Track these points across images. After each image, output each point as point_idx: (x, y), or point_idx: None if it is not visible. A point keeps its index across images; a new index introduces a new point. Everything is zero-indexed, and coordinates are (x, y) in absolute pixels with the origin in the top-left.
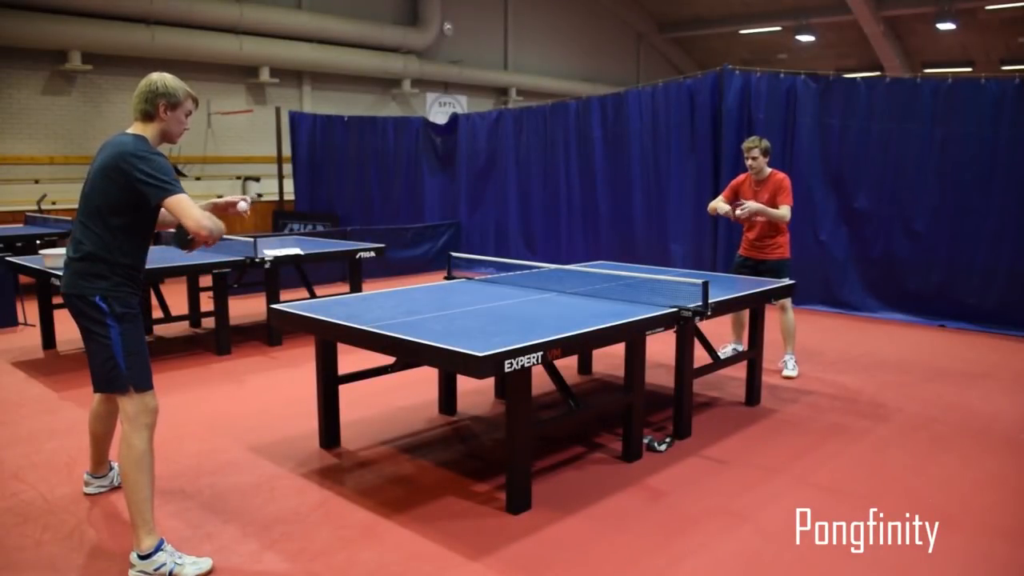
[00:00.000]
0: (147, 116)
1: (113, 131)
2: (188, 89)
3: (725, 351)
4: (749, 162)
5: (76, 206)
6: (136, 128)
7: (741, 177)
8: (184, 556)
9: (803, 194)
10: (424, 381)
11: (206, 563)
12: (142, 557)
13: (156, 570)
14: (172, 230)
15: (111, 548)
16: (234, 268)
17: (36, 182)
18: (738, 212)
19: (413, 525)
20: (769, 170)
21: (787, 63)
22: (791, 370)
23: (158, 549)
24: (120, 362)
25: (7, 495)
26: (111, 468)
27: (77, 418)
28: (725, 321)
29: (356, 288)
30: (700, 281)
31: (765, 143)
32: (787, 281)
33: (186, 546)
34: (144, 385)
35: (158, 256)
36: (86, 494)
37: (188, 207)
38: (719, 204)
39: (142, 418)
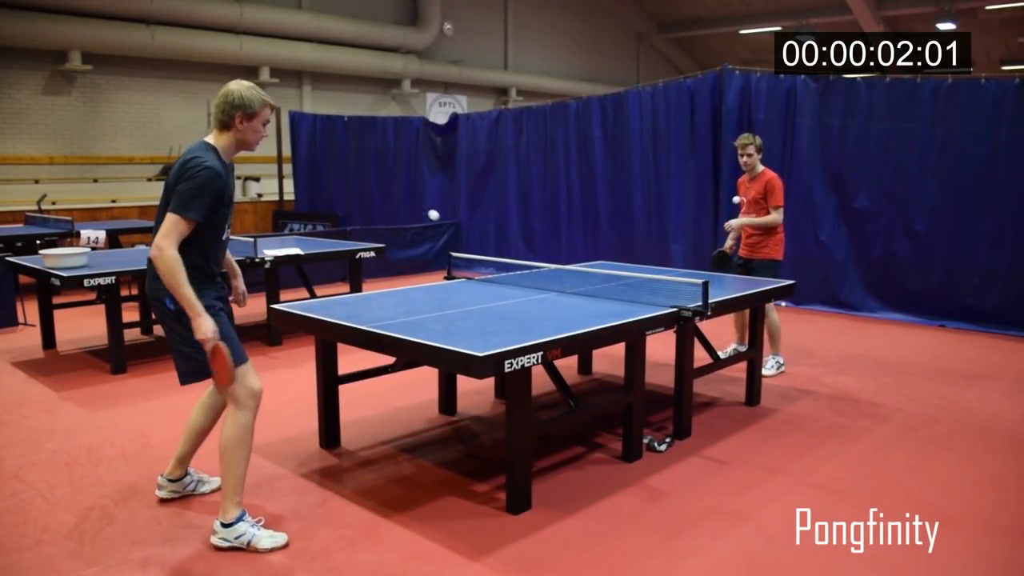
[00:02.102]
0: (223, 126)
1: (113, 131)
2: (265, 98)
3: (727, 352)
4: (744, 159)
5: (76, 206)
6: (212, 136)
7: (743, 177)
8: (263, 530)
9: (803, 194)
10: (424, 381)
11: (282, 538)
12: (225, 525)
13: (236, 538)
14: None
15: (111, 549)
16: None
17: (36, 182)
18: (725, 227)
19: (413, 525)
20: (762, 167)
21: None
22: (770, 368)
23: (240, 519)
24: (191, 361)
25: (7, 495)
26: (188, 474)
27: (77, 418)
28: (726, 321)
29: (356, 288)
30: (700, 281)
31: (758, 140)
32: (788, 281)
33: (186, 544)
34: (240, 350)
35: None
36: (160, 499)
37: (165, 226)
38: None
39: (246, 400)
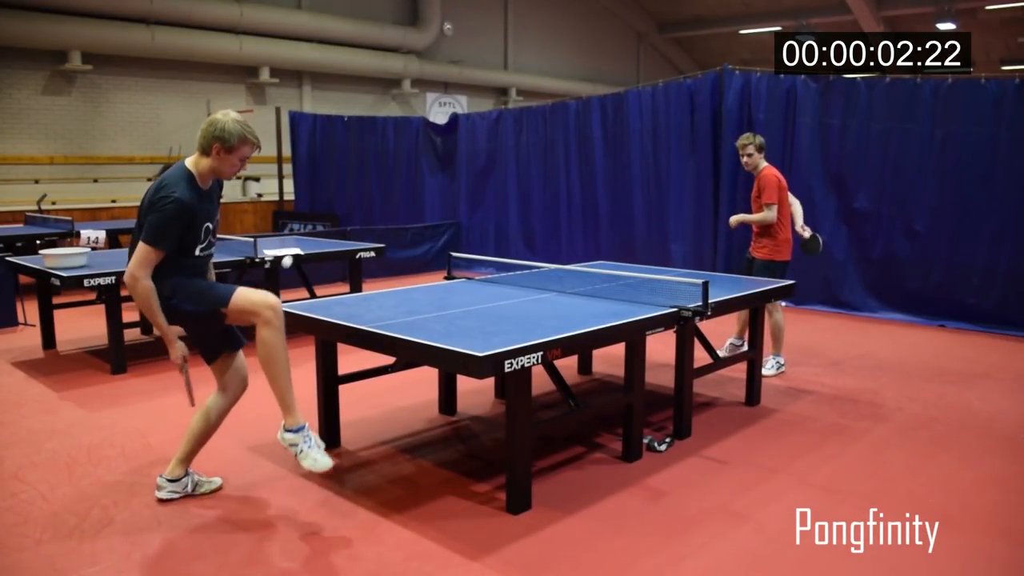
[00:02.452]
0: (203, 151)
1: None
2: (249, 136)
3: (724, 347)
4: (744, 159)
5: (76, 206)
6: (192, 159)
7: None
8: (315, 448)
9: (803, 194)
10: (424, 381)
11: (325, 463)
12: (288, 430)
13: (291, 445)
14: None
15: (111, 549)
16: (234, 268)
17: (36, 182)
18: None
19: (413, 525)
20: (764, 165)
21: None
22: (769, 368)
23: (296, 430)
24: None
25: (7, 495)
26: (187, 474)
27: (77, 418)
28: (725, 321)
29: (356, 288)
30: (700, 281)
31: (759, 139)
32: (788, 281)
33: (186, 544)
34: (226, 295)
35: None
36: (159, 499)
37: (139, 256)
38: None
39: (269, 317)
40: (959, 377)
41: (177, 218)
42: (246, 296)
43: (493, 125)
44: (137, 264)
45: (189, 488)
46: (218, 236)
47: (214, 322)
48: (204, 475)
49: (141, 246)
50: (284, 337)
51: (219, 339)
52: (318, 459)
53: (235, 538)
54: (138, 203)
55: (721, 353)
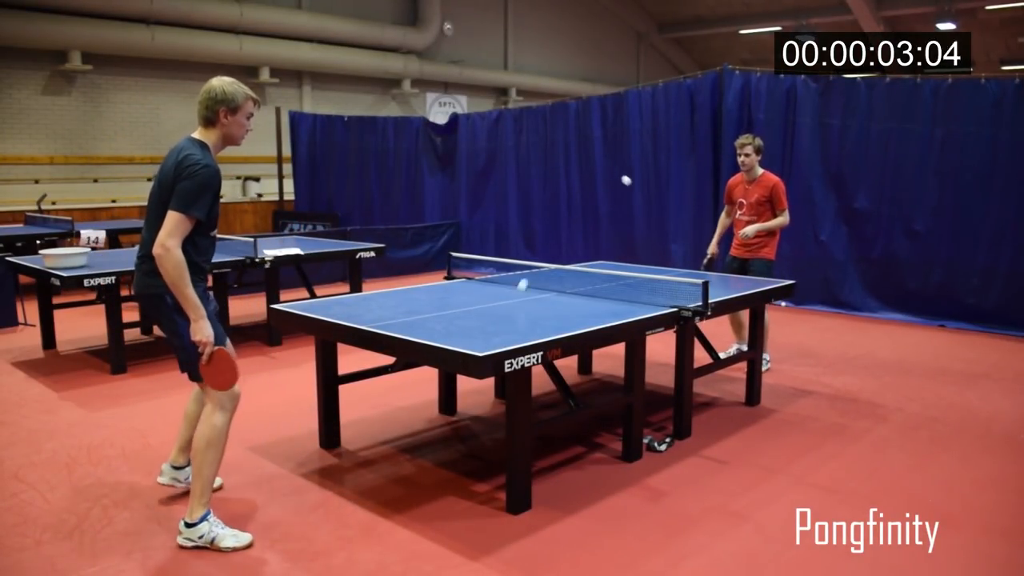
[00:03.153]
0: (208, 122)
1: (113, 131)
2: (248, 92)
3: (729, 352)
4: (741, 159)
5: (76, 206)
6: (199, 133)
7: (735, 178)
8: (226, 529)
9: (803, 194)
10: (424, 381)
11: (245, 538)
12: (188, 525)
13: (200, 537)
14: None
15: (111, 548)
16: (234, 268)
17: (36, 182)
18: (740, 234)
19: (413, 525)
20: (761, 170)
21: None
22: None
23: (203, 519)
24: (191, 353)
25: (7, 495)
26: (190, 464)
27: (77, 418)
28: (725, 321)
29: (356, 288)
30: (700, 281)
31: (758, 141)
32: (788, 281)
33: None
34: (219, 335)
35: None
36: (160, 483)
37: (168, 225)
38: (722, 222)
39: (225, 402)
40: (959, 377)
41: (210, 184)
42: (225, 359)
43: (493, 125)
44: (167, 233)
45: (190, 481)
46: (218, 236)
47: (188, 338)
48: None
49: (171, 215)
50: (228, 430)
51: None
52: (239, 536)
53: (236, 543)
54: (138, 203)
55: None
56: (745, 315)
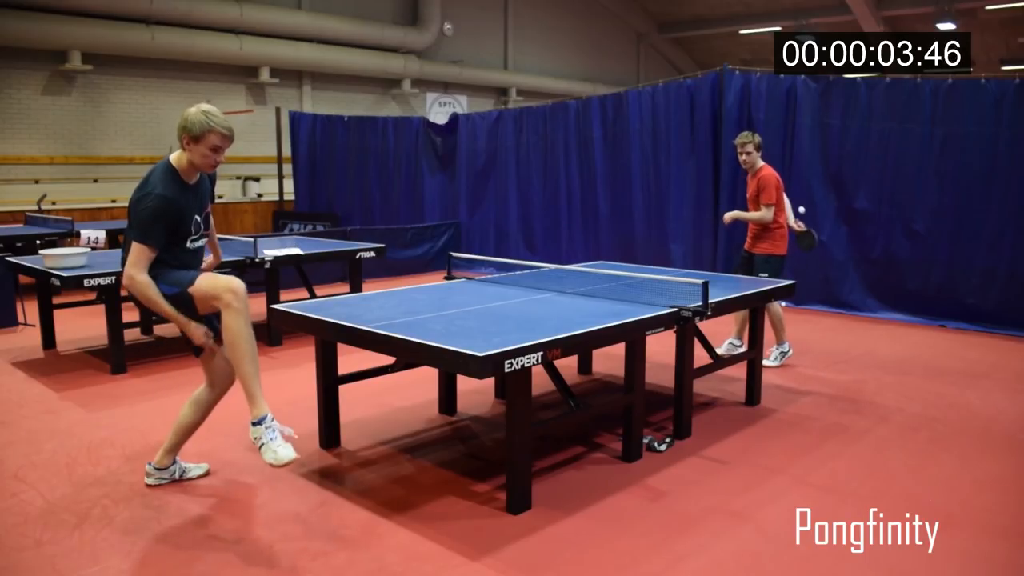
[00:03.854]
0: (181, 145)
1: (113, 131)
2: (215, 126)
3: (723, 347)
4: (743, 157)
5: (76, 206)
6: (175, 155)
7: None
8: (277, 440)
9: (803, 194)
10: (424, 381)
11: (287, 455)
12: (252, 423)
13: (255, 439)
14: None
15: (112, 548)
16: (234, 268)
17: (36, 182)
18: (723, 219)
19: (413, 525)
20: (761, 164)
21: None
22: (773, 360)
23: (260, 421)
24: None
25: (7, 495)
26: (175, 462)
27: (77, 418)
28: (725, 320)
29: (356, 288)
30: (700, 281)
31: (757, 138)
32: (788, 281)
33: (186, 544)
34: (192, 277)
35: None
36: (148, 485)
37: (132, 256)
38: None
39: (229, 300)
40: (959, 377)
41: (161, 214)
42: (209, 280)
43: (493, 125)
44: (131, 263)
45: (176, 475)
46: (218, 236)
47: (192, 308)
48: (192, 463)
49: (133, 245)
50: (248, 323)
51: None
52: (278, 451)
53: (235, 538)
54: None
55: (719, 352)
56: (767, 312)
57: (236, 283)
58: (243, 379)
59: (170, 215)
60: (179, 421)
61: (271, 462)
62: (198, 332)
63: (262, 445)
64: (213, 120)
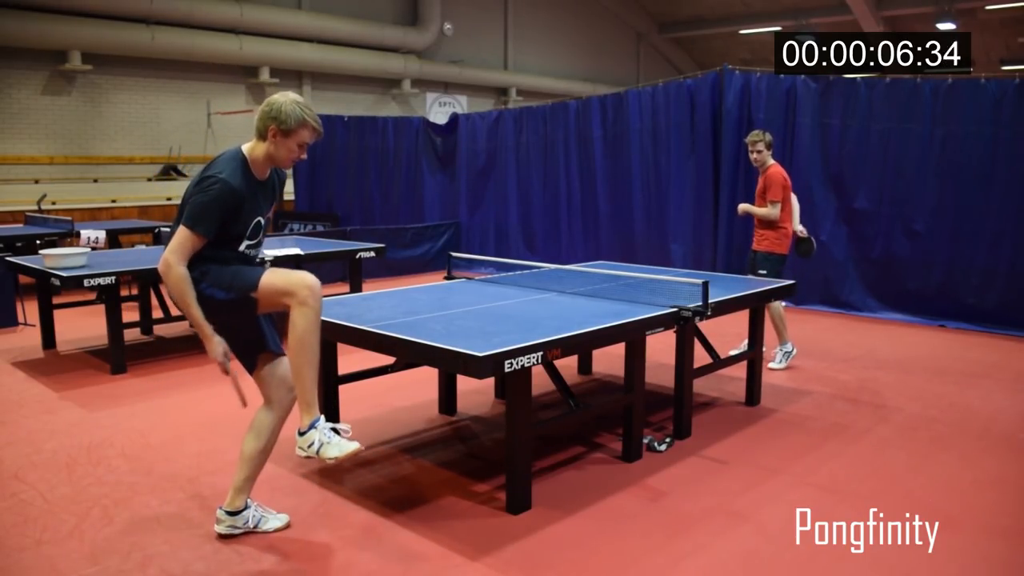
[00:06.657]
0: (260, 135)
1: (113, 131)
2: (308, 119)
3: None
4: (753, 155)
5: (76, 206)
6: (249, 145)
7: None
8: (332, 438)
9: (803, 194)
10: (424, 381)
11: (349, 447)
12: (302, 432)
13: (309, 446)
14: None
15: (111, 548)
16: None
17: (36, 182)
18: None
19: (413, 525)
20: (771, 162)
21: None
22: (779, 362)
23: (311, 427)
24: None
25: (7, 495)
26: (247, 507)
27: (77, 418)
28: (725, 321)
29: (356, 288)
30: (700, 281)
31: (768, 137)
32: (788, 281)
33: (186, 544)
34: (256, 277)
35: (154, 256)
36: (219, 535)
37: (174, 240)
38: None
39: (304, 297)
40: (959, 377)
41: (221, 201)
42: (281, 275)
43: (493, 125)
44: (171, 248)
45: (251, 524)
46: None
47: (246, 313)
48: (272, 510)
49: (179, 230)
50: (319, 324)
51: (256, 337)
52: (343, 444)
53: (235, 539)
54: (138, 203)
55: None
56: (768, 311)
57: (312, 279)
58: (302, 384)
59: (230, 207)
60: (243, 452)
61: (336, 455)
62: (218, 350)
63: (320, 448)
64: (308, 114)
